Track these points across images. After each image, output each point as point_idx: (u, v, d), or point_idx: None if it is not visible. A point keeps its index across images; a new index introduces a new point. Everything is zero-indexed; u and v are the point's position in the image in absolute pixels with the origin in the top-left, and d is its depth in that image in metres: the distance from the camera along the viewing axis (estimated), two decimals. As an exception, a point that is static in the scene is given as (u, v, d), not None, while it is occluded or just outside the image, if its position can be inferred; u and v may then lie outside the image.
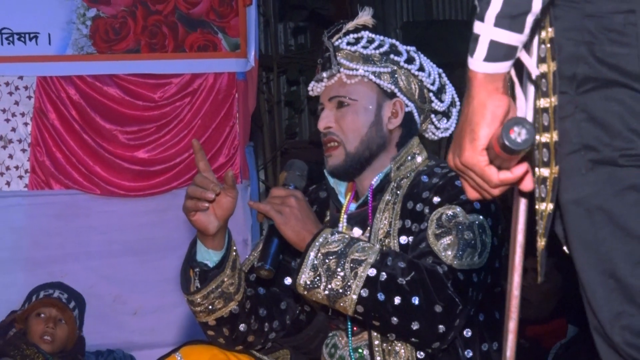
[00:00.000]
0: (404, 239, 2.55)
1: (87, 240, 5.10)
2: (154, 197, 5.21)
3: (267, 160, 7.10)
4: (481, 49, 1.51)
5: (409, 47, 2.74)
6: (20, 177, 5.11)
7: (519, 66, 1.58)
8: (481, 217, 2.49)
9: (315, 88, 2.75)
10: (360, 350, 2.61)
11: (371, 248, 2.47)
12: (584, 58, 1.55)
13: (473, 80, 1.52)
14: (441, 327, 2.42)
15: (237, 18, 5.25)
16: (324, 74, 2.70)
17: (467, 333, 2.56)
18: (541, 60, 1.57)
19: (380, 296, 2.42)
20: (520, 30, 1.49)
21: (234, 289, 2.54)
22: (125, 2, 5.20)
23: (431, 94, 2.71)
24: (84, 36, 5.15)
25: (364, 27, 2.74)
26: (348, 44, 2.69)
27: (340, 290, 2.43)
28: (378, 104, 2.67)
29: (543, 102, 1.57)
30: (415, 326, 2.42)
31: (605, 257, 1.57)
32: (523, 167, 1.52)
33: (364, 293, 2.42)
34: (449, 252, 2.45)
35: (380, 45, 2.69)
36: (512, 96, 1.58)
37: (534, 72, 1.55)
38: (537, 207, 1.61)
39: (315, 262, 2.45)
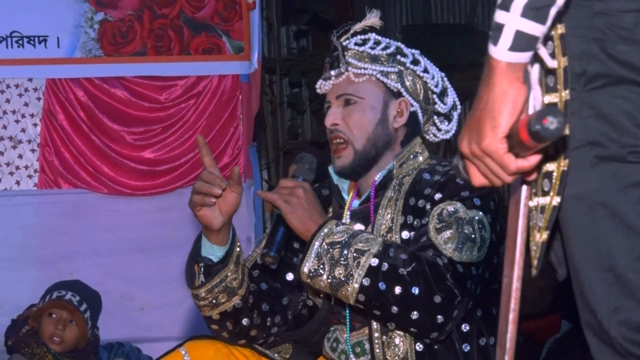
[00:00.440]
0: (405, 234, 2.57)
1: (94, 238, 5.11)
2: (160, 196, 5.23)
3: (270, 160, 7.11)
4: (506, 38, 1.50)
5: (413, 50, 2.75)
6: (30, 176, 5.13)
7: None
8: (481, 213, 2.50)
9: (322, 86, 2.75)
10: (361, 345, 2.63)
11: (374, 239, 2.49)
12: (595, 55, 1.56)
13: (495, 69, 1.51)
14: (440, 318, 2.44)
15: (241, 22, 5.27)
16: (332, 73, 2.70)
17: (465, 327, 2.56)
18: (549, 56, 1.57)
19: (382, 285, 2.43)
20: (543, 21, 1.49)
21: (237, 283, 2.56)
22: (132, 6, 5.22)
23: (435, 96, 2.73)
24: (91, 39, 5.17)
25: (371, 29, 2.76)
26: (356, 44, 2.70)
27: (343, 279, 2.45)
28: (384, 102, 2.68)
29: (548, 98, 1.58)
30: (414, 316, 2.44)
31: (605, 252, 1.57)
32: (538, 156, 1.52)
33: (366, 282, 2.44)
34: (449, 245, 2.47)
35: (386, 47, 2.70)
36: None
37: (550, 63, 1.56)
38: (534, 201, 1.62)
39: (320, 251, 2.47)
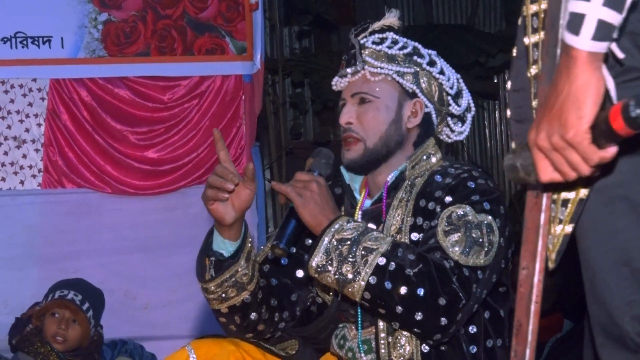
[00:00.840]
0: (415, 236, 2.56)
1: (98, 237, 5.11)
2: (163, 196, 5.22)
3: (272, 160, 7.10)
4: (588, 27, 1.48)
5: (430, 51, 2.75)
6: (34, 176, 5.13)
7: None
8: (490, 217, 2.50)
9: (338, 83, 2.74)
10: (369, 343, 2.62)
11: (384, 238, 2.48)
12: (628, 49, 1.56)
13: (576, 59, 1.50)
14: (443, 320, 2.43)
15: (244, 22, 5.27)
16: (349, 70, 2.69)
17: (472, 329, 2.56)
18: None
19: (388, 285, 2.43)
20: (621, 10, 1.48)
21: (247, 279, 2.56)
22: (135, 7, 5.22)
23: (449, 98, 2.72)
24: (95, 40, 5.16)
25: (389, 29, 2.75)
26: (373, 43, 2.69)
27: (350, 276, 2.45)
28: (399, 102, 2.67)
29: None
30: (418, 316, 2.43)
31: (622, 246, 1.56)
32: (616, 147, 1.50)
33: (372, 280, 2.43)
34: (457, 249, 2.46)
35: (404, 47, 2.70)
36: None
37: (620, 55, 1.55)
38: (557, 194, 1.60)
39: (329, 246, 2.46)
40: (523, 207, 1.70)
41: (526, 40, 1.73)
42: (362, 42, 2.70)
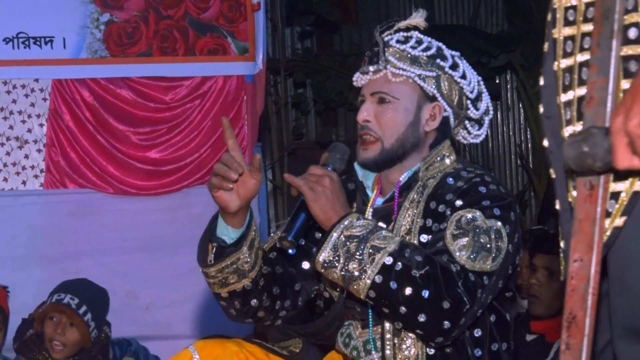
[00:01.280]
0: (424, 237, 2.56)
1: (100, 238, 5.11)
2: (165, 196, 5.23)
3: (274, 160, 7.11)
4: None
5: (453, 52, 2.73)
6: (36, 176, 5.13)
7: None
8: (499, 223, 2.49)
9: (359, 80, 2.73)
10: (375, 342, 2.62)
11: (392, 238, 2.48)
12: None
13: None
14: (446, 323, 2.43)
15: (246, 23, 5.27)
16: (371, 68, 2.67)
17: (477, 333, 2.56)
18: None
19: (393, 285, 2.42)
20: None
21: (248, 266, 2.55)
22: (137, 7, 5.22)
23: (469, 102, 2.71)
24: (97, 40, 5.16)
25: (415, 28, 2.74)
26: (397, 41, 2.67)
27: (356, 274, 2.44)
28: (418, 105, 2.66)
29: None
30: (421, 318, 2.43)
31: None
32: None
33: (378, 279, 2.43)
34: (463, 253, 2.46)
35: (427, 48, 2.68)
36: None
37: None
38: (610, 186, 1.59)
39: (337, 242, 2.46)
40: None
41: (555, 34, 1.72)
42: (386, 39, 2.68)
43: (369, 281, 2.44)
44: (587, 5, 1.63)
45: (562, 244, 1.71)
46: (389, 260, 2.44)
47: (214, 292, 2.62)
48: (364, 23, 7.87)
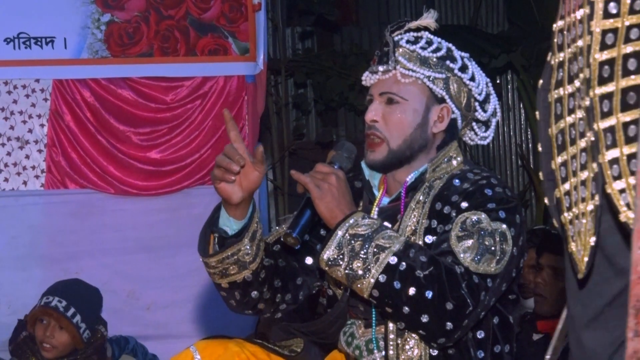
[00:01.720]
0: (429, 238, 2.56)
1: (101, 238, 5.11)
2: (166, 196, 5.23)
3: (275, 160, 7.11)
4: None
5: (463, 54, 2.73)
6: (37, 176, 5.13)
7: None
8: (504, 226, 2.49)
9: (368, 79, 2.72)
10: (377, 342, 2.62)
11: (397, 238, 2.48)
12: None
13: None
14: (449, 325, 2.43)
15: (247, 23, 5.27)
16: (380, 68, 2.67)
17: (480, 334, 2.56)
18: None
19: (397, 284, 2.43)
20: None
21: (249, 258, 2.55)
22: (138, 8, 5.22)
23: (476, 104, 2.71)
24: (98, 40, 5.16)
25: (425, 28, 2.72)
26: (408, 42, 2.67)
27: (360, 272, 2.44)
28: (427, 107, 2.66)
29: None
30: (424, 319, 2.43)
31: None
32: None
33: (382, 279, 2.43)
34: (468, 255, 2.46)
35: (437, 49, 2.68)
36: None
37: None
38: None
39: (342, 240, 2.46)
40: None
41: (554, 26, 1.73)
42: (396, 39, 2.67)
43: (372, 280, 2.44)
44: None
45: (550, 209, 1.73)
46: (393, 259, 2.44)
47: (215, 282, 2.62)
48: (364, 23, 7.87)
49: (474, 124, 2.76)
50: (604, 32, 1.57)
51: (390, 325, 2.56)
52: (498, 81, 7.87)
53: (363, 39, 7.74)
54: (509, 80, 7.97)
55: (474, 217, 2.49)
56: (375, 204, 2.69)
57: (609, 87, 1.57)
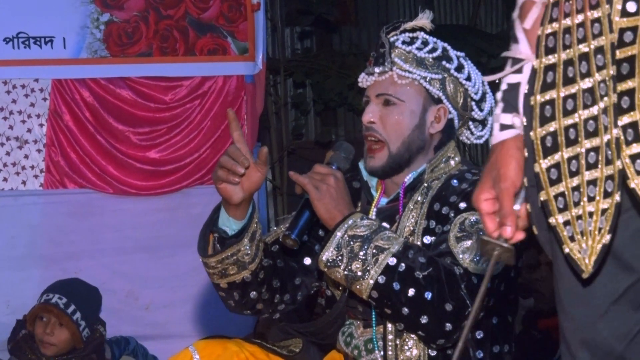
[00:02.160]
0: (427, 239, 2.56)
1: (100, 238, 5.11)
2: (165, 196, 5.23)
3: (274, 160, 7.11)
4: None
5: (459, 53, 2.73)
6: (36, 176, 5.13)
7: None
8: None
9: (364, 80, 2.71)
10: (376, 342, 2.62)
11: (396, 239, 2.48)
12: None
13: None
14: (448, 325, 2.43)
15: (246, 23, 5.27)
16: (376, 69, 2.66)
17: (479, 334, 2.56)
18: None
19: (396, 285, 2.43)
20: None
21: (249, 258, 2.54)
22: (137, 7, 5.22)
23: (473, 103, 2.71)
24: (97, 40, 5.16)
25: (420, 29, 2.72)
26: (403, 42, 2.67)
27: (359, 274, 2.45)
28: (424, 107, 2.65)
29: None
30: (424, 320, 2.44)
31: None
32: None
33: (381, 280, 2.43)
34: (467, 256, 2.46)
35: (433, 49, 2.68)
36: None
37: None
38: None
39: (341, 242, 2.46)
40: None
41: (540, 30, 1.73)
42: (391, 40, 2.67)
43: (372, 281, 2.44)
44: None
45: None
46: (392, 261, 2.44)
47: (214, 282, 2.62)
48: (363, 23, 7.87)
49: (470, 123, 2.75)
50: (622, 31, 1.61)
51: (389, 325, 2.56)
52: (497, 81, 7.86)
53: (362, 39, 7.74)
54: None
55: (473, 218, 2.49)
56: (373, 204, 2.69)
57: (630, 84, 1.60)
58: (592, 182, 1.64)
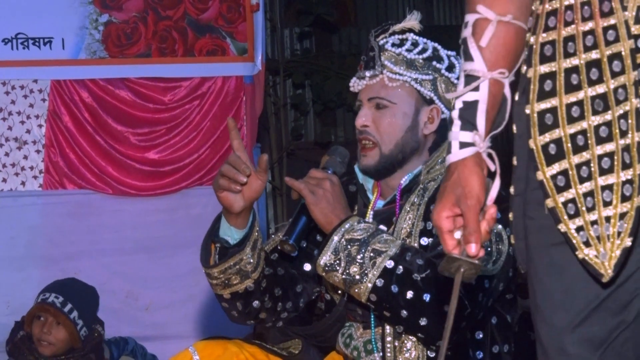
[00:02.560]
0: (424, 240, 2.55)
1: (99, 238, 5.12)
2: (164, 197, 5.23)
3: (273, 160, 7.11)
4: None
5: (449, 52, 2.71)
6: (35, 177, 5.13)
7: None
8: (500, 226, 2.48)
9: (356, 85, 2.71)
10: (375, 343, 2.62)
11: (393, 241, 2.48)
12: None
13: None
14: None
15: (245, 23, 5.27)
16: (367, 73, 2.66)
17: (479, 335, 2.56)
18: None
19: (394, 288, 2.43)
20: None
21: (251, 267, 2.55)
22: (136, 8, 5.22)
23: None
24: (96, 41, 5.17)
25: (410, 30, 2.72)
26: (393, 45, 2.66)
27: (357, 277, 2.44)
28: (416, 109, 2.64)
29: None
30: (422, 322, 2.43)
31: None
32: None
33: (379, 283, 2.43)
34: None
35: (423, 50, 2.67)
36: None
37: None
38: None
39: (338, 246, 2.46)
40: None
41: (532, 39, 1.74)
42: (381, 43, 2.66)
43: (370, 285, 2.44)
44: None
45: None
46: (390, 263, 2.44)
47: (217, 293, 2.61)
48: (362, 24, 7.87)
49: None
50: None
51: (388, 327, 2.56)
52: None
53: (361, 39, 7.74)
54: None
55: None
56: (369, 207, 2.68)
57: None
58: (608, 187, 1.64)
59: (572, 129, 1.66)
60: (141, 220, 5.16)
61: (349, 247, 2.46)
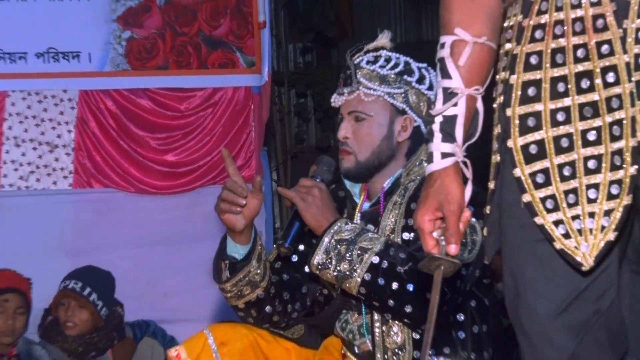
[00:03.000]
0: (406, 235, 2.58)
1: (123, 232, 5.11)
2: (181, 195, 5.23)
3: (278, 163, 7.12)
4: None
5: (420, 65, 2.73)
6: (65, 177, 5.15)
7: None
8: (473, 219, 2.49)
9: (336, 100, 2.74)
10: (368, 327, 2.65)
11: (378, 239, 2.50)
12: None
13: None
14: None
15: (253, 39, 5.28)
16: (345, 90, 2.69)
17: (460, 317, 2.58)
18: None
19: (381, 281, 2.45)
20: None
21: (259, 277, 2.57)
22: (155, 25, 5.24)
23: None
24: (119, 55, 5.19)
25: (383, 47, 2.72)
26: (367, 62, 2.68)
27: (347, 273, 2.47)
28: (390, 120, 2.67)
29: None
30: (408, 309, 2.46)
31: None
32: None
33: (367, 277, 2.45)
34: None
35: (395, 65, 2.68)
36: None
37: None
38: None
39: (329, 246, 2.49)
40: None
41: (518, 48, 1.75)
42: (356, 61, 2.69)
43: (359, 279, 2.46)
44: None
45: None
46: (375, 259, 2.46)
47: (232, 304, 2.64)
48: (359, 39, 7.86)
49: None
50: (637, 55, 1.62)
51: (376, 315, 2.58)
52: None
53: (358, 53, 7.74)
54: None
55: None
56: (357, 209, 2.71)
57: None
58: (594, 186, 1.63)
59: (556, 132, 1.66)
60: (160, 216, 5.17)
61: (338, 246, 2.48)
